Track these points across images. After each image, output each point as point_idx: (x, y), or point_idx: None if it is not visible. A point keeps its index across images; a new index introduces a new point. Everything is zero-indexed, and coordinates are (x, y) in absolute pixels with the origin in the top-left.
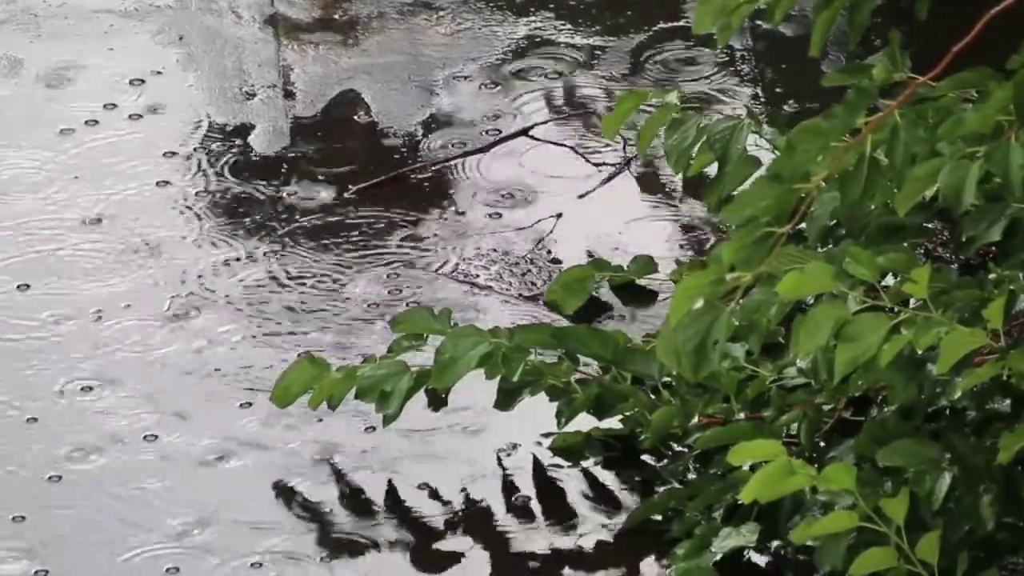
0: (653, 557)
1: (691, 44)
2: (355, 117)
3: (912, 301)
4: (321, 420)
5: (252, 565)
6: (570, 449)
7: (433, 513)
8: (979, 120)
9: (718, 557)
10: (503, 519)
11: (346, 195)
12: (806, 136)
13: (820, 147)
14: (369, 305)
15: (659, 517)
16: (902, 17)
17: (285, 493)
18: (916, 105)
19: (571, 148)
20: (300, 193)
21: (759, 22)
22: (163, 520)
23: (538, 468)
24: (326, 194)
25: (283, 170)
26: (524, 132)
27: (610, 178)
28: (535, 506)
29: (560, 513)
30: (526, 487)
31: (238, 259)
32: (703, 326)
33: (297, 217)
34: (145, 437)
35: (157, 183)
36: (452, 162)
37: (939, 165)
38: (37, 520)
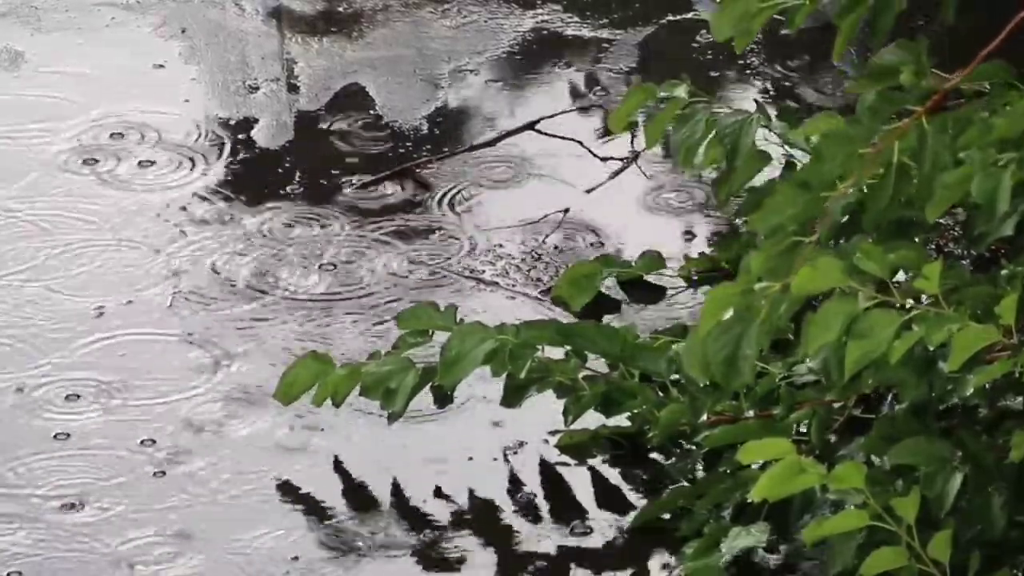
0: (662, 556)
1: (699, 38)
2: (359, 111)
3: (924, 297)
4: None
5: (253, 564)
6: (577, 447)
7: (438, 512)
8: (1007, 126)
9: (727, 556)
10: (509, 517)
11: (350, 189)
12: (833, 143)
13: (847, 154)
14: (372, 301)
15: (667, 516)
16: (920, 15)
17: (288, 491)
18: (938, 112)
19: (578, 142)
20: (304, 188)
21: None
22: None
23: (545, 466)
24: (330, 189)
25: (287, 164)
26: (530, 126)
27: (617, 172)
28: (542, 504)
29: (567, 511)
30: (533, 485)
31: (240, 255)
32: (733, 337)
33: (300, 213)
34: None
35: (159, 178)
36: (457, 156)
37: (969, 172)
38: None
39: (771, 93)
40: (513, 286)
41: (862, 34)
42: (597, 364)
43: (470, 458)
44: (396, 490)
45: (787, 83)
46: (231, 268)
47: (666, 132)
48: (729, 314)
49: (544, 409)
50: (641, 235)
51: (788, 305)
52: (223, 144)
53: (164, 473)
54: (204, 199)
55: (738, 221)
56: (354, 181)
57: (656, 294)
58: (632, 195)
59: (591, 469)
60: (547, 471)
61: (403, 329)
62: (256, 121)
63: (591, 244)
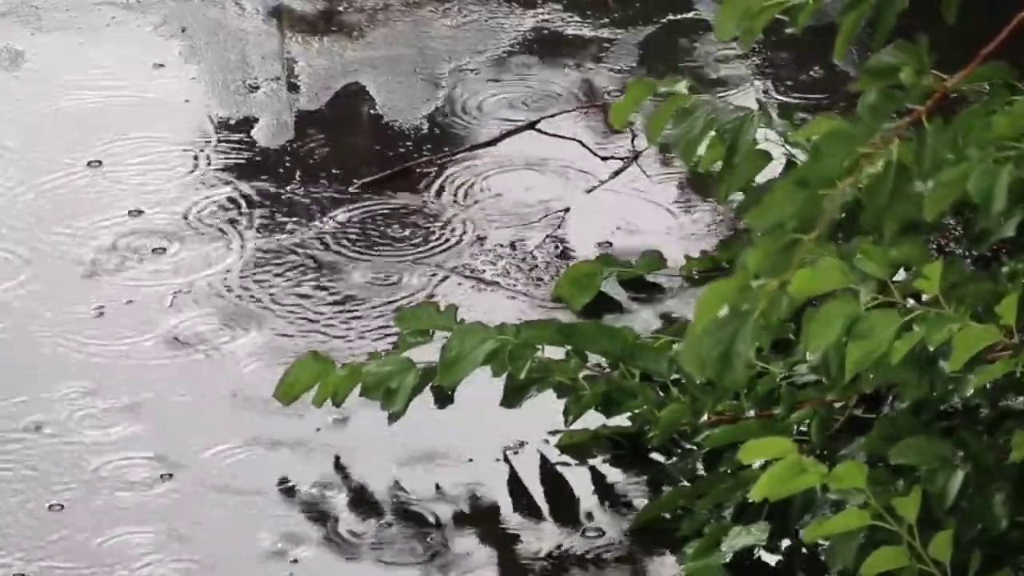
0: (662, 556)
1: (700, 37)
2: (360, 111)
3: (924, 296)
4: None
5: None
6: (577, 447)
7: (439, 511)
8: (1008, 124)
9: (728, 556)
10: (510, 517)
11: (351, 189)
12: (833, 141)
13: (847, 152)
14: (374, 301)
15: (668, 515)
16: (921, 13)
17: (288, 491)
18: (940, 113)
19: (579, 142)
20: (304, 187)
21: None
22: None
23: (545, 466)
24: (331, 189)
25: (287, 164)
26: (531, 126)
27: (618, 172)
28: (542, 504)
29: (567, 511)
30: (533, 485)
31: (241, 253)
32: (728, 333)
33: (301, 212)
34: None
35: (158, 177)
36: (458, 156)
37: (967, 169)
38: None
39: (772, 93)
40: (513, 286)
41: (863, 34)
42: (598, 363)
43: (470, 459)
44: (396, 490)
45: (789, 83)
46: (229, 267)
47: (666, 130)
48: (725, 311)
49: (544, 409)
50: (642, 235)
51: (787, 306)
52: (223, 144)
53: (171, 476)
54: (203, 198)
55: (740, 222)
56: (355, 181)
57: (656, 294)
58: (633, 194)
59: (591, 469)
60: (547, 471)
61: (403, 329)
62: (256, 120)
63: (592, 243)
